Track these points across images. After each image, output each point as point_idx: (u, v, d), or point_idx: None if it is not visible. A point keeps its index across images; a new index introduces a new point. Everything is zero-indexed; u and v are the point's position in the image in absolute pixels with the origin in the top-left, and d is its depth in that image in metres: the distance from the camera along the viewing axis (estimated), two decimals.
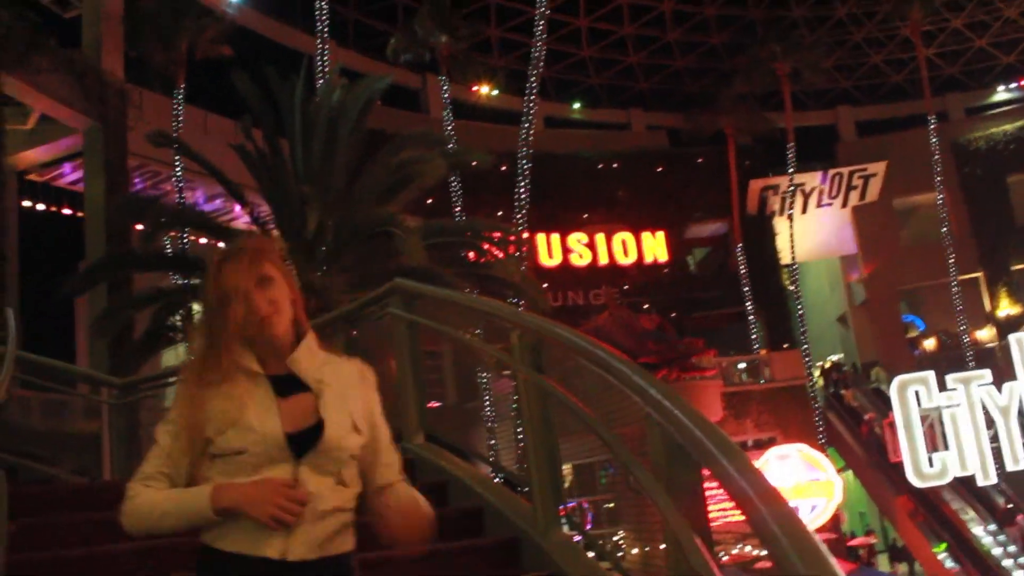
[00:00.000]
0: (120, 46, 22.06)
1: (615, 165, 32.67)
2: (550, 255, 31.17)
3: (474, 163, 19.20)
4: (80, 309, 23.76)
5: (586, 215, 31.91)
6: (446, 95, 24.14)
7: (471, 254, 15.91)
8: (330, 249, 13.46)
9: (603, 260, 31.75)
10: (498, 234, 15.31)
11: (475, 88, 30.50)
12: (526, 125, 23.48)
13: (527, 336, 3.70)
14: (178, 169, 20.50)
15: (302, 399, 2.32)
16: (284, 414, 2.29)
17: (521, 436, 21.57)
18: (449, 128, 23.32)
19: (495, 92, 31.10)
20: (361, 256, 13.64)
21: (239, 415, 2.26)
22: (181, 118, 21.07)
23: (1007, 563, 22.17)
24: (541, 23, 23.06)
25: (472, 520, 4.16)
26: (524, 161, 23.15)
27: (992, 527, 23.08)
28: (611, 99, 34.24)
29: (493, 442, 23.67)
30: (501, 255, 15.30)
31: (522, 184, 23.07)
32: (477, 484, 4.30)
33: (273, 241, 3.28)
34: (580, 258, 31.59)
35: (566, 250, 31.46)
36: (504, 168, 26.27)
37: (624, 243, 32.30)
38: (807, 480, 21.84)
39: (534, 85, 23.53)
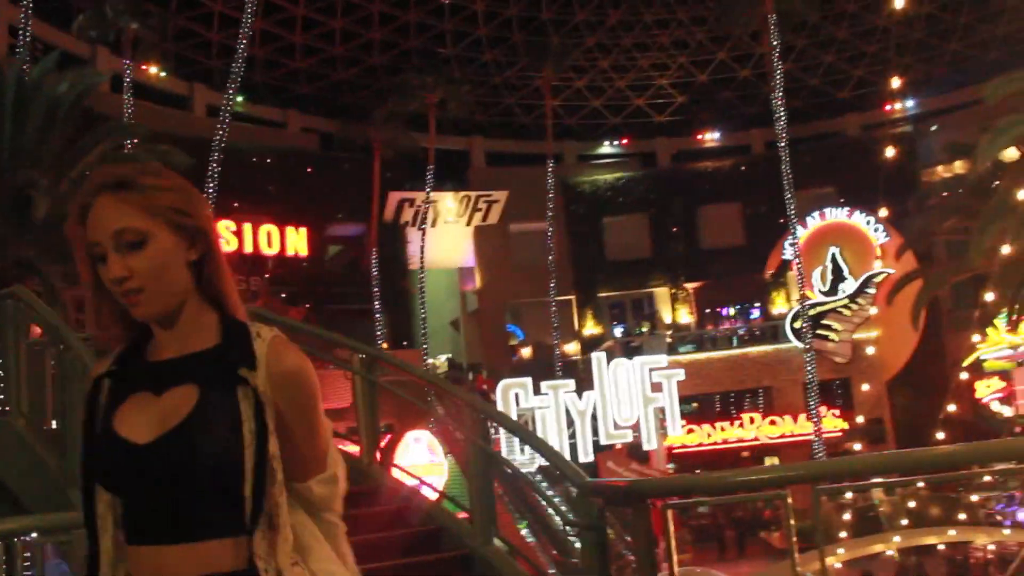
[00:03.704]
0: None
1: (268, 160, 34.60)
2: None
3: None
4: None
5: (236, 204, 33.55)
6: (128, 79, 25.17)
7: None
8: (52, 232, 14.80)
9: (248, 249, 33.58)
10: None
11: (144, 67, 31.32)
12: (221, 122, 25.16)
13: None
14: None
15: (180, 393, 1.80)
16: (146, 417, 1.80)
17: None
18: (129, 110, 24.47)
19: (163, 74, 32.09)
20: None
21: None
22: None
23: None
24: (247, 25, 25.10)
25: None
26: (216, 158, 24.78)
27: (564, 508, 27.94)
28: (272, 98, 36.17)
29: None
30: None
31: (211, 178, 24.71)
32: None
33: (127, 165, 1.86)
34: (227, 244, 33.22)
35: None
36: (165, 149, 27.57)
37: (269, 235, 34.29)
38: (429, 461, 25.49)
39: (235, 82, 25.37)
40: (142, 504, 1.79)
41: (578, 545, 23.28)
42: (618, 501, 3.87)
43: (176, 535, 1.77)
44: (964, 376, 23.57)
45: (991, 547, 19.12)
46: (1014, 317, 18.37)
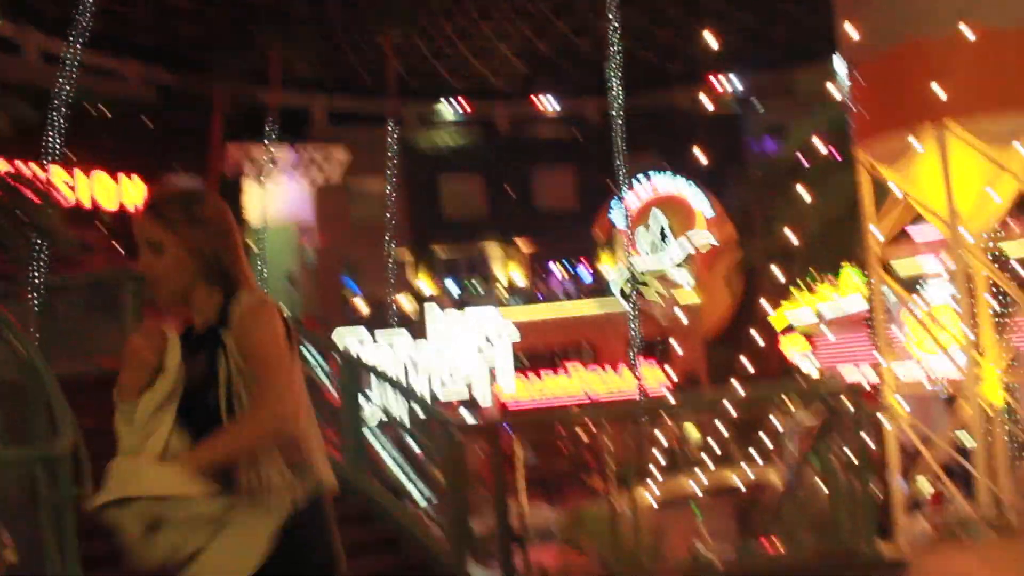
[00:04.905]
0: None
1: (104, 110, 33.82)
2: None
3: None
4: None
5: (71, 154, 32.69)
6: None
7: None
8: None
9: (86, 202, 32.76)
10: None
11: None
12: (66, 73, 24.79)
13: None
14: None
15: (200, 357, 2.58)
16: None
17: None
18: None
19: None
20: None
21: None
22: None
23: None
24: None
25: None
26: (59, 111, 24.44)
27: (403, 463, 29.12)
28: (109, 46, 35.23)
29: None
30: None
31: (56, 131, 24.37)
32: None
33: (170, 193, 2.81)
34: (64, 199, 32.25)
35: (49, 185, 32.11)
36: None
37: (106, 187, 33.59)
38: None
39: (80, 32, 25.05)
40: (195, 428, 2.55)
41: (413, 490, 24.44)
42: (475, 432, 4.92)
43: None
44: (760, 336, 25.61)
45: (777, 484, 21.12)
46: (808, 282, 20.22)
